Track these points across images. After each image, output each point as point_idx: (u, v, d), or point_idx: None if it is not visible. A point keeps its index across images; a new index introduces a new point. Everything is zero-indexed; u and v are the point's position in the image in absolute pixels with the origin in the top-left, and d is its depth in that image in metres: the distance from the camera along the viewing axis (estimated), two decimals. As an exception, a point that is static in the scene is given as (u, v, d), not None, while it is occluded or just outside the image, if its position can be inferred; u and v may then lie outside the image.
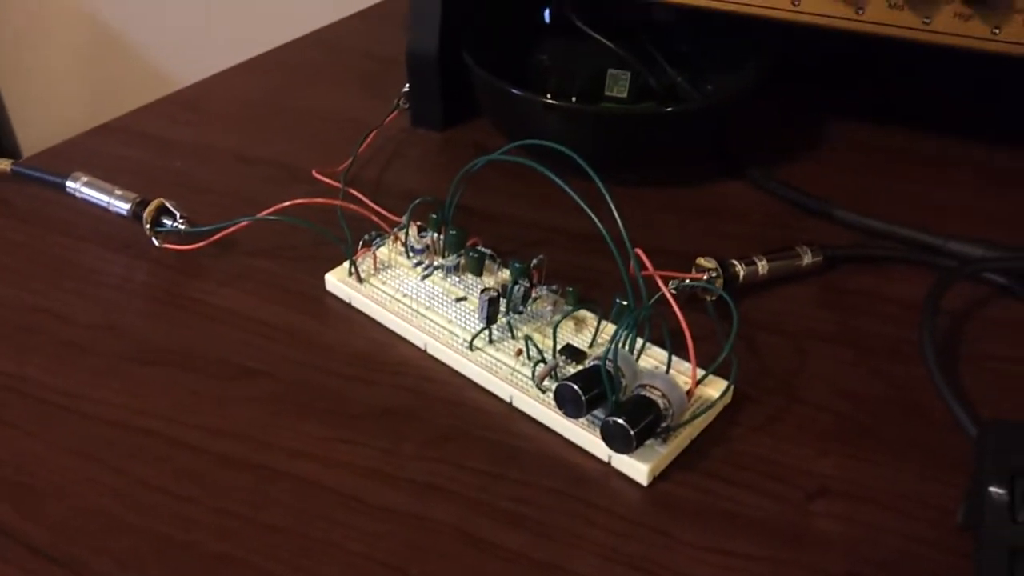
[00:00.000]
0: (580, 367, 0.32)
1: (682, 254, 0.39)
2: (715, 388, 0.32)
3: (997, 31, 0.39)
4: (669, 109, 0.44)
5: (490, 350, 0.34)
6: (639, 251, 0.32)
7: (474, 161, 0.36)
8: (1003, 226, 0.43)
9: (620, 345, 0.31)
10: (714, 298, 0.36)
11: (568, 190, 0.31)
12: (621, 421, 0.28)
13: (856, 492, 0.29)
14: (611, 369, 0.29)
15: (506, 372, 0.33)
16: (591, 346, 0.34)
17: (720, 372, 0.32)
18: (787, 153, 0.50)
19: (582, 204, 0.31)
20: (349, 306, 0.37)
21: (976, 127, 0.52)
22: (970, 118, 0.54)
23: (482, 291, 0.34)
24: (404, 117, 0.52)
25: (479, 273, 0.37)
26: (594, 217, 0.31)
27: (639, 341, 0.33)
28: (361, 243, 0.39)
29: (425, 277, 0.37)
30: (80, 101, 1.17)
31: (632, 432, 0.28)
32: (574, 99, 0.51)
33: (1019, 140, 0.51)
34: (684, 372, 0.32)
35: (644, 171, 0.47)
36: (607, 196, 0.31)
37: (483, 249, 0.38)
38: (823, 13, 0.42)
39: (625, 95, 0.51)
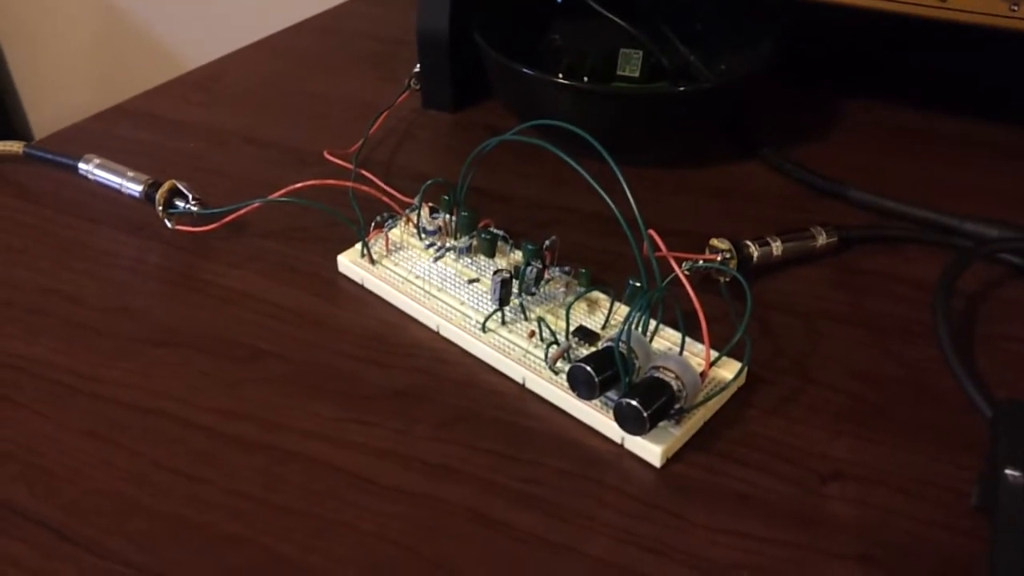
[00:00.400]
0: (593, 349, 0.32)
1: (696, 235, 0.39)
2: (729, 370, 0.32)
3: (1015, 8, 0.38)
4: (681, 88, 0.44)
5: (503, 332, 0.34)
6: (652, 232, 0.32)
7: (486, 142, 0.36)
8: (1020, 206, 0.43)
9: (633, 327, 0.31)
10: (728, 279, 0.36)
11: (581, 171, 0.31)
12: (634, 403, 0.28)
13: (869, 475, 0.29)
14: (624, 351, 0.29)
15: (519, 354, 0.33)
16: (604, 328, 0.34)
17: (734, 354, 0.32)
18: (802, 134, 0.50)
19: (595, 185, 0.31)
20: (361, 287, 0.37)
21: (993, 107, 0.52)
22: (987, 98, 0.53)
23: (495, 272, 0.34)
24: (415, 98, 0.52)
25: (491, 255, 0.37)
26: (607, 198, 0.31)
27: (652, 323, 0.32)
28: (373, 225, 0.39)
29: (437, 259, 0.37)
30: (91, 83, 1.17)
31: (645, 414, 0.28)
32: (586, 79, 0.50)
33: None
34: (698, 354, 0.32)
35: (657, 151, 0.47)
36: (620, 177, 0.30)
37: (495, 230, 0.37)
38: (839, -10, 0.41)
39: (637, 74, 0.50)
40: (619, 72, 0.50)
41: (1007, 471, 0.26)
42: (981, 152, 0.48)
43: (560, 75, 0.46)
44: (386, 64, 0.58)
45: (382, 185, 0.41)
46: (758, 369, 0.33)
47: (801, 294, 0.37)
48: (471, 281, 0.36)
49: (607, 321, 0.34)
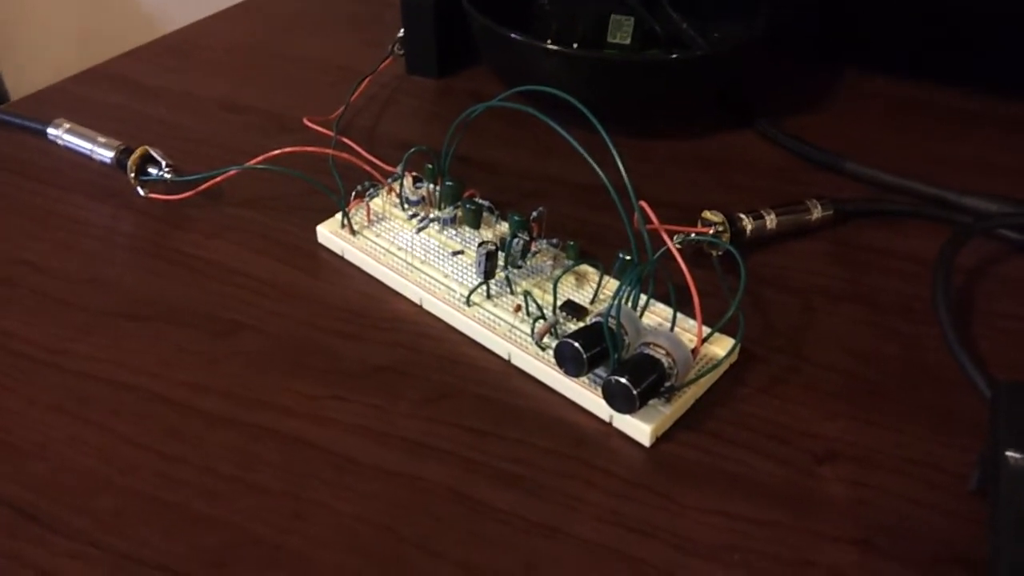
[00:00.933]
0: (581, 324, 0.31)
1: (689, 207, 0.38)
2: (721, 346, 0.31)
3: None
4: (673, 56, 0.42)
5: (488, 306, 0.32)
6: (644, 204, 0.31)
7: (471, 108, 0.34)
8: (1020, 180, 0.42)
9: (623, 301, 0.30)
10: (721, 253, 0.35)
11: (570, 139, 0.30)
12: (624, 380, 0.27)
13: (865, 456, 0.28)
14: (613, 326, 0.28)
15: (504, 328, 0.31)
16: (593, 302, 0.32)
17: (726, 330, 0.31)
18: (798, 105, 0.48)
19: (584, 153, 0.29)
20: (342, 259, 0.36)
21: (993, 79, 0.51)
22: (986, 70, 0.52)
23: (479, 244, 0.32)
24: (399, 64, 0.50)
25: (476, 226, 0.36)
26: (596, 167, 0.30)
27: (643, 297, 0.31)
28: (354, 194, 0.37)
29: (420, 230, 0.36)
30: (70, 45, 1.15)
31: (635, 392, 0.27)
32: (576, 45, 0.49)
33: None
34: (689, 330, 0.31)
35: (649, 121, 0.46)
36: (610, 145, 0.29)
37: (480, 201, 0.36)
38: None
39: (629, 41, 0.49)
40: (610, 39, 0.49)
41: (1007, 453, 0.25)
42: (981, 125, 0.47)
43: (549, 41, 0.45)
44: (370, 27, 0.56)
45: (364, 153, 0.40)
46: (751, 346, 0.32)
47: (796, 269, 0.36)
48: (455, 253, 0.35)
49: (596, 295, 0.33)
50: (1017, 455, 0.25)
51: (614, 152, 0.29)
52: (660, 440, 0.28)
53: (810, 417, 0.30)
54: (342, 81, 0.48)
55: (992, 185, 0.40)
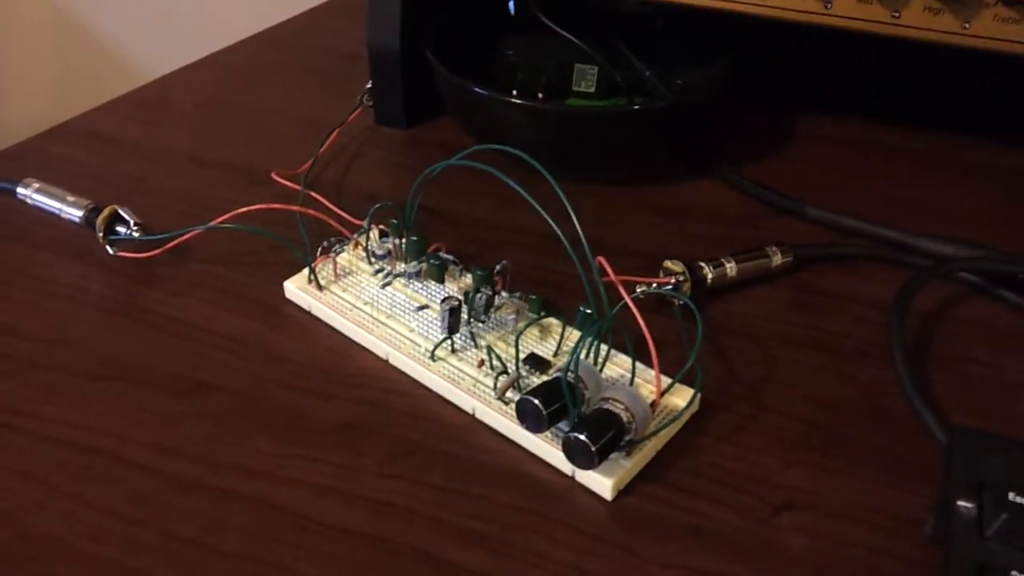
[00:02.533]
0: (544, 377, 0.31)
1: (651, 255, 0.38)
2: (682, 397, 0.31)
3: (967, 26, 0.38)
4: (635, 107, 0.43)
5: (452, 360, 0.33)
6: (601, 259, 0.31)
7: (433, 167, 0.35)
8: (978, 223, 0.43)
9: (583, 355, 0.30)
10: (681, 303, 0.35)
11: (525, 195, 0.30)
12: (583, 437, 0.27)
13: (823, 504, 0.29)
14: (572, 381, 0.28)
15: (469, 383, 0.32)
16: (556, 354, 0.33)
17: (687, 380, 0.31)
18: (760, 150, 0.49)
19: (539, 209, 0.30)
20: (309, 315, 0.36)
21: (952, 122, 0.52)
22: (946, 113, 0.54)
23: (443, 300, 0.33)
24: (368, 115, 0.51)
25: (441, 280, 0.36)
26: (552, 222, 0.30)
27: (604, 348, 0.32)
28: (320, 249, 0.38)
29: (385, 285, 0.36)
30: (49, 93, 1.15)
31: (594, 448, 0.27)
32: (540, 95, 0.50)
33: (994, 135, 0.51)
34: (651, 380, 0.31)
35: (612, 170, 0.46)
36: (564, 200, 0.30)
37: (444, 255, 0.37)
38: (790, 7, 0.41)
39: (593, 90, 0.50)
40: (574, 88, 0.50)
41: (959, 503, 0.26)
42: (940, 168, 0.48)
43: (514, 91, 0.46)
44: (340, 79, 0.57)
45: (331, 207, 0.41)
46: (712, 395, 0.32)
47: (756, 316, 0.37)
48: (420, 308, 0.35)
49: (559, 347, 0.33)
50: (968, 504, 0.25)
51: (569, 208, 0.30)
52: (622, 493, 0.29)
53: (769, 465, 0.30)
54: (311, 133, 0.48)
55: (950, 227, 0.40)
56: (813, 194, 0.43)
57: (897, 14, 0.39)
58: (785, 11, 0.41)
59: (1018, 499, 0.25)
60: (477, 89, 0.43)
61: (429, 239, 0.38)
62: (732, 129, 0.51)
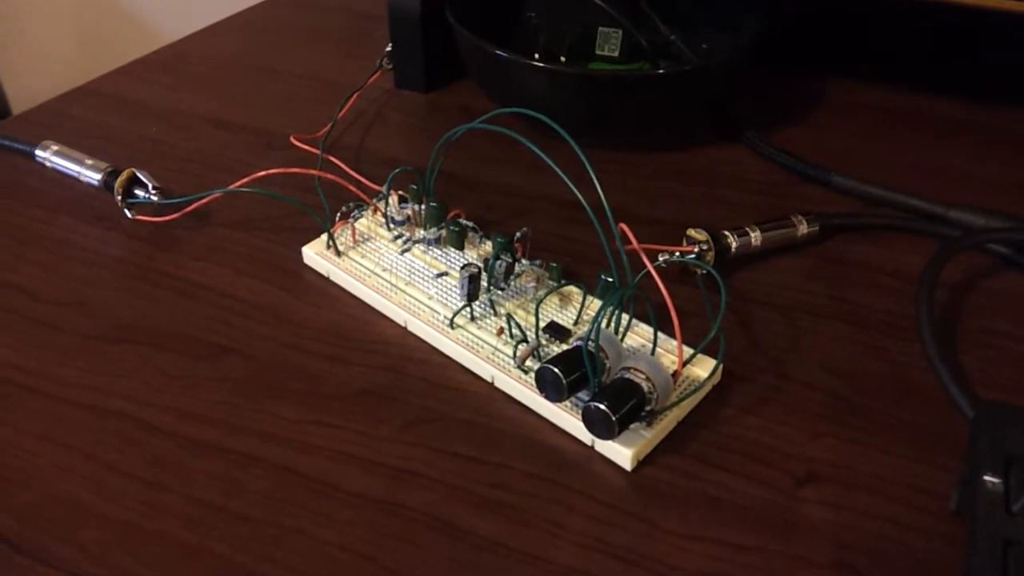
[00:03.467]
0: (565, 346, 0.31)
1: (675, 223, 0.38)
2: (704, 367, 0.31)
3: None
4: (660, 72, 0.42)
5: (472, 328, 0.32)
6: (623, 226, 0.31)
7: (453, 130, 0.34)
8: (1006, 193, 0.42)
9: (604, 324, 0.30)
10: (704, 272, 0.35)
11: (548, 160, 0.30)
12: (603, 406, 0.27)
13: (846, 477, 0.28)
14: (593, 351, 0.28)
15: (488, 351, 0.32)
16: (576, 323, 0.32)
17: (709, 350, 0.31)
18: (787, 117, 0.48)
19: (562, 174, 0.30)
20: (327, 280, 0.36)
21: (980, 90, 0.51)
22: (974, 81, 0.52)
23: (462, 267, 0.32)
24: (388, 78, 0.50)
25: (461, 247, 0.36)
26: (575, 188, 0.30)
27: (625, 318, 0.31)
28: (339, 214, 0.37)
29: (404, 251, 0.36)
30: (69, 56, 1.15)
31: (614, 418, 0.27)
32: (563, 59, 0.49)
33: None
34: (672, 351, 0.31)
35: (635, 135, 0.45)
36: (587, 166, 0.29)
37: (464, 222, 0.36)
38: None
39: (617, 54, 0.49)
40: (598, 52, 0.49)
41: (985, 477, 0.25)
42: (968, 137, 0.47)
43: (536, 55, 0.45)
44: (360, 41, 0.56)
45: (350, 172, 0.40)
46: (735, 366, 0.32)
47: (781, 286, 0.36)
48: (440, 275, 0.35)
49: (579, 316, 0.33)
50: (994, 479, 0.25)
51: (592, 174, 0.29)
52: (642, 464, 0.29)
53: (792, 438, 0.30)
54: (331, 96, 0.48)
55: (979, 197, 0.39)
56: (841, 162, 0.42)
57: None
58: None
59: (1048, 476, 0.24)
60: (499, 52, 0.42)
61: (449, 205, 0.37)
62: (764, 96, 0.50)
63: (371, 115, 0.48)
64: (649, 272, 0.31)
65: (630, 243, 0.32)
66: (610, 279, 0.32)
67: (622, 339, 0.31)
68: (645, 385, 0.28)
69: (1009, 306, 0.35)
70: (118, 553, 0.26)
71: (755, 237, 0.36)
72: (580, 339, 0.29)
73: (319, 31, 0.58)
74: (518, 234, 0.35)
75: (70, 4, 1.11)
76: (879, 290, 0.36)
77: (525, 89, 0.43)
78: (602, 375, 0.28)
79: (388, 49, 0.50)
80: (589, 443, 0.29)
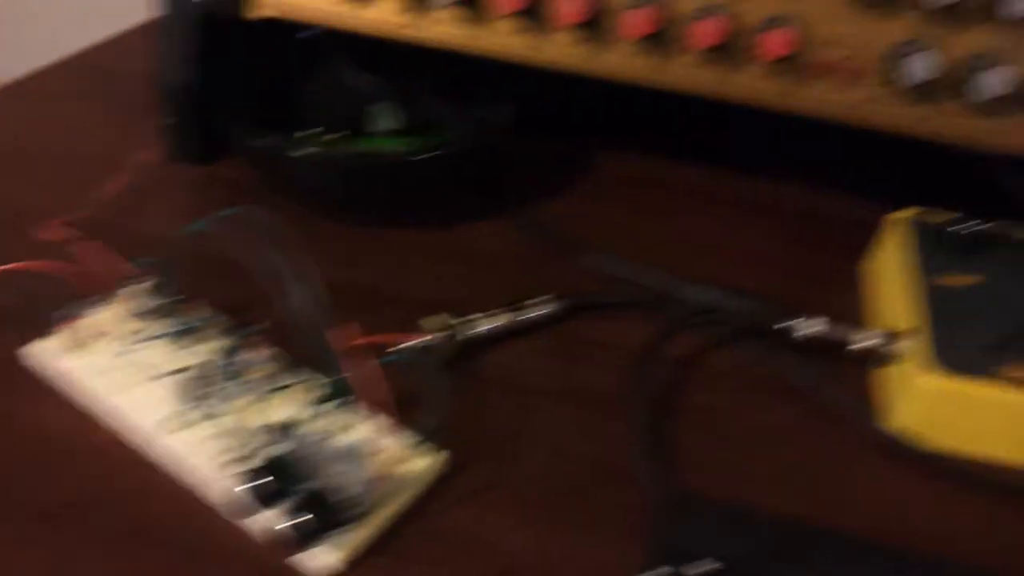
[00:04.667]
0: (282, 446, 0.31)
1: (425, 302, 0.38)
2: (425, 459, 0.32)
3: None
4: (410, 157, 0.43)
5: (188, 432, 0.32)
6: (352, 327, 0.31)
7: (191, 225, 0.34)
8: (761, 265, 0.44)
9: (318, 425, 0.30)
10: (433, 363, 0.35)
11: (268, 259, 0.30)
12: (304, 518, 0.27)
13: (541, 567, 0.29)
14: (299, 456, 0.28)
15: (202, 457, 0.31)
16: (297, 424, 0.32)
17: (437, 441, 0.32)
18: (561, 190, 0.50)
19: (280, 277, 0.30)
20: (53, 380, 0.35)
21: (742, 163, 0.53)
22: (737, 154, 0.54)
23: (181, 370, 0.32)
24: (159, 152, 0.49)
25: (195, 343, 0.36)
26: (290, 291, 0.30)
27: (346, 414, 0.32)
28: (72, 309, 0.36)
29: (130, 351, 0.35)
30: None
31: (315, 527, 0.27)
32: (338, 136, 0.49)
33: (785, 177, 0.52)
34: (391, 446, 0.32)
35: (401, 213, 0.46)
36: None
37: (199, 318, 0.36)
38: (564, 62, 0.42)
39: (391, 127, 0.50)
40: (370, 128, 0.50)
41: (659, 569, 0.27)
42: (730, 208, 0.49)
43: (322, 127, 0.45)
44: (141, 110, 0.55)
45: (91, 262, 0.38)
46: (462, 454, 0.33)
47: (518, 369, 0.37)
48: (167, 374, 0.34)
49: (302, 415, 0.33)
50: (665, 570, 0.27)
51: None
52: (353, 567, 0.29)
53: (502, 527, 0.30)
54: (101, 169, 0.46)
55: (735, 270, 0.42)
56: (610, 234, 0.44)
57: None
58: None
59: (690, 570, 0.26)
60: (258, 143, 0.42)
61: (202, 293, 0.37)
62: (536, 170, 0.51)
63: (139, 193, 0.47)
64: (372, 368, 0.31)
65: (360, 338, 0.32)
66: (332, 378, 0.32)
67: (342, 435, 0.31)
68: (353, 488, 0.28)
69: (726, 383, 0.37)
70: None
71: (494, 320, 0.37)
72: (289, 445, 0.29)
73: (100, 99, 0.56)
74: (252, 329, 0.35)
75: None
76: (609, 369, 0.37)
77: (288, 172, 0.43)
78: (304, 483, 0.28)
79: (162, 123, 0.49)
80: (295, 555, 0.29)
